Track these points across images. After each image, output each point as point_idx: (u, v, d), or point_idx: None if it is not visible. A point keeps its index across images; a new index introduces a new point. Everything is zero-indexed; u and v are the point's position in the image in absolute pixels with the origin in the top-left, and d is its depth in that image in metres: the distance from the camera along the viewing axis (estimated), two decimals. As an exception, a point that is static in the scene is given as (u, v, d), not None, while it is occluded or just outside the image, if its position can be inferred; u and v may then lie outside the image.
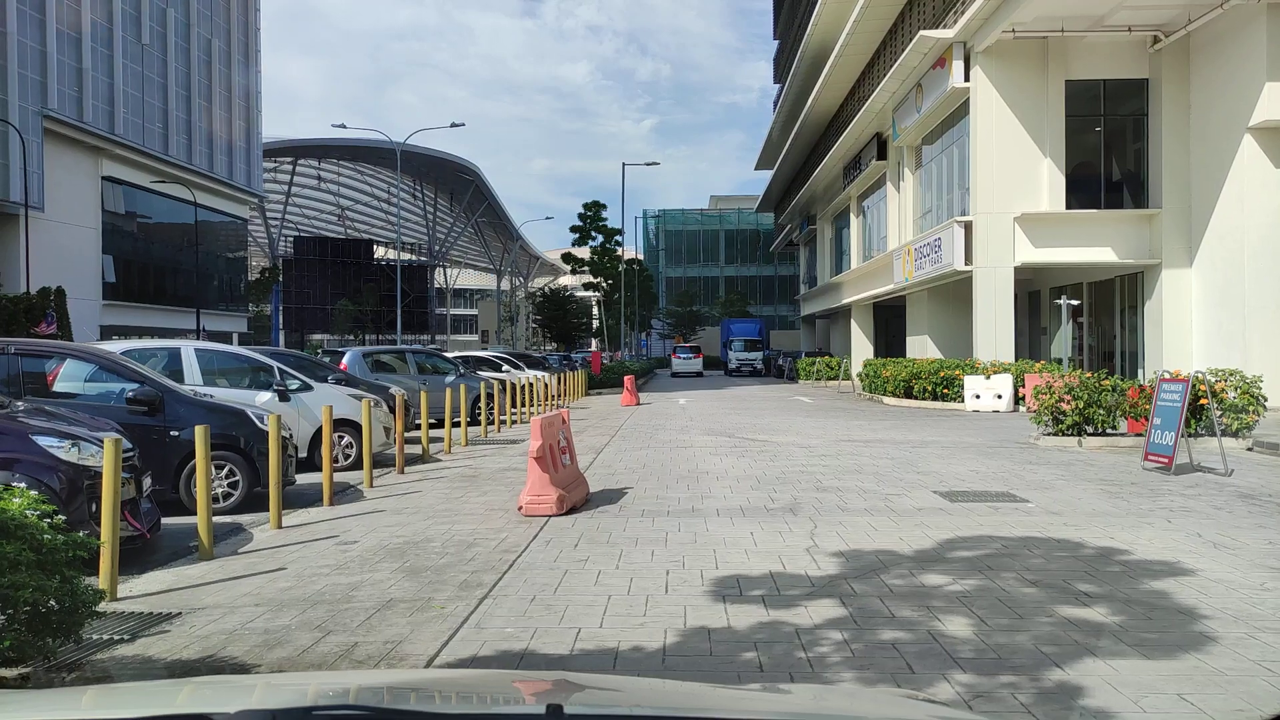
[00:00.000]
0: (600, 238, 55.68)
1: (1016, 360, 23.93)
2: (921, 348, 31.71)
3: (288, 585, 6.10)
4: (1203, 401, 12.59)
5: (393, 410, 13.02)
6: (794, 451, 13.74)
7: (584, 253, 56.70)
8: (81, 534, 4.35)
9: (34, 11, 37.35)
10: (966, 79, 25.04)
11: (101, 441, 6.22)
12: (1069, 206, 24.35)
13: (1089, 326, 28.38)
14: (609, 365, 41.16)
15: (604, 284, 56.26)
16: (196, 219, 45.92)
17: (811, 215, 53.64)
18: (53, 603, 3.96)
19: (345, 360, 18.06)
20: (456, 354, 27.87)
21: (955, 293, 28.90)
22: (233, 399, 10.18)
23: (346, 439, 12.30)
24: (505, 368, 27.56)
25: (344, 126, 48.43)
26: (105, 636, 4.95)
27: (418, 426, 15.12)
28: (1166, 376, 11.78)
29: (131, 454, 6.88)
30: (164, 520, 7.71)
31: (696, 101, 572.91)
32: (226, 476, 9.02)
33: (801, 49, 42.87)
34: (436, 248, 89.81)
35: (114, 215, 43.78)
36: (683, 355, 54.53)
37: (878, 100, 31.70)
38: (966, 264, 24.58)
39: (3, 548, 3.83)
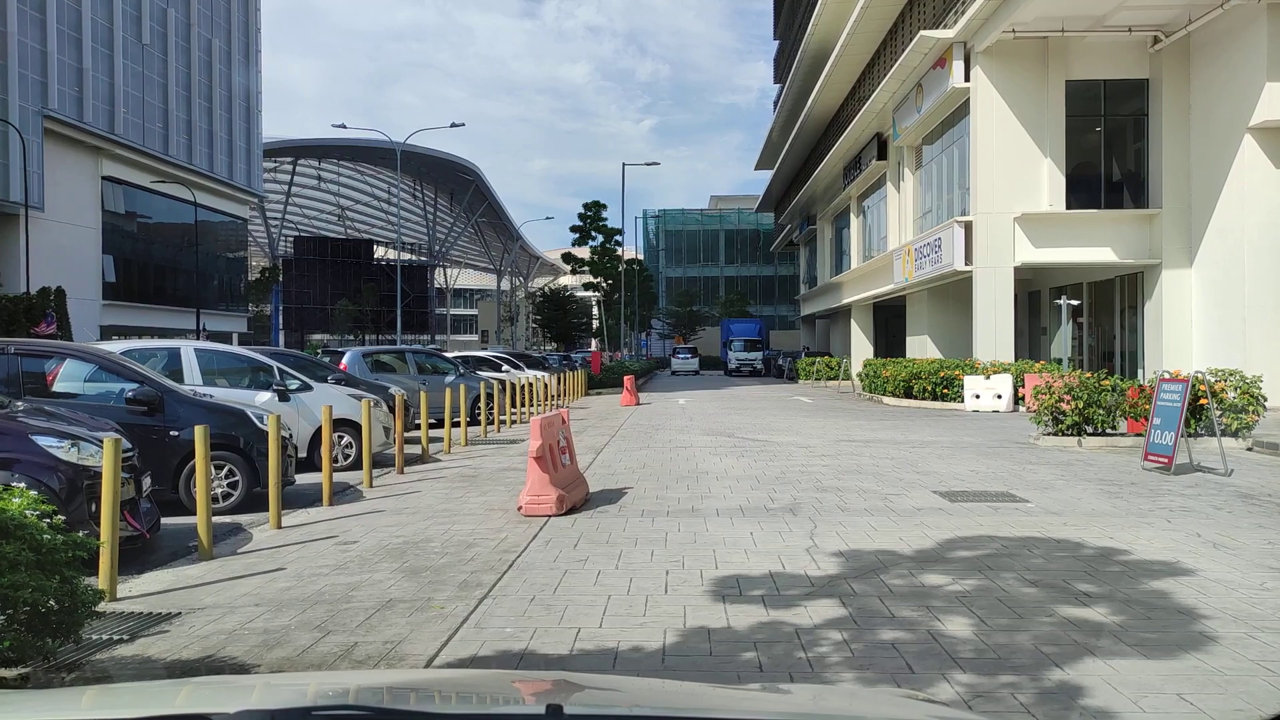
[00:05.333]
0: (600, 238, 55.73)
1: (1016, 360, 23.93)
2: (921, 348, 31.71)
3: (287, 585, 6.09)
4: (1202, 401, 12.59)
5: (392, 410, 13.01)
6: (794, 451, 13.74)
7: (584, 253, 56.73)
8: (81, 534, 4.34)
9: (34, 11, 37.35)
10: (967, 79, 25.04)
11: (101, 441, 6.22)
12: (1069, 206, 24.35)
13: (1089, 326, 28.38)
14: (609, 365, 41.15)
15: (604, 284, 56.29)
16: (196, 219, 45.91)
17: (811, 215, 53.65)
18: (52, 603, 3.95)
19: (345, 360, 18.06)
20: (456, 354, 27.86)
21: (955, 293, 28.90)
22: (232, 399, 10.18)
23: (346, 439, 12.30)
24: (505, 368, 27.54)
25: (344, 126, 48.43)
26: (105, 637, 4.94)
27: (417, 426, 15.11)
28: (1166, 376, 11.78)
29: (131, 454, 6.88)
30: (163, 520, 7.70)
31: (696, 102, 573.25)
32: (226, 476, 9.02)
33: (802, 49, 42.88)
34: (436, 248, 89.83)
35: (114, 215, 43.78)
36: (681, 356, 59.42)
37: (878, 100, 31.70)
38: (966, 264, 24.58)
39: (2, 548, 3.82)
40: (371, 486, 10.56)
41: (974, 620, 5.13)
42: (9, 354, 8.47)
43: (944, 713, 2.19)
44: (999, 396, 21.49)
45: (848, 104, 39.28)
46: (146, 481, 7.30)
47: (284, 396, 11.40)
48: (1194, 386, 11.75)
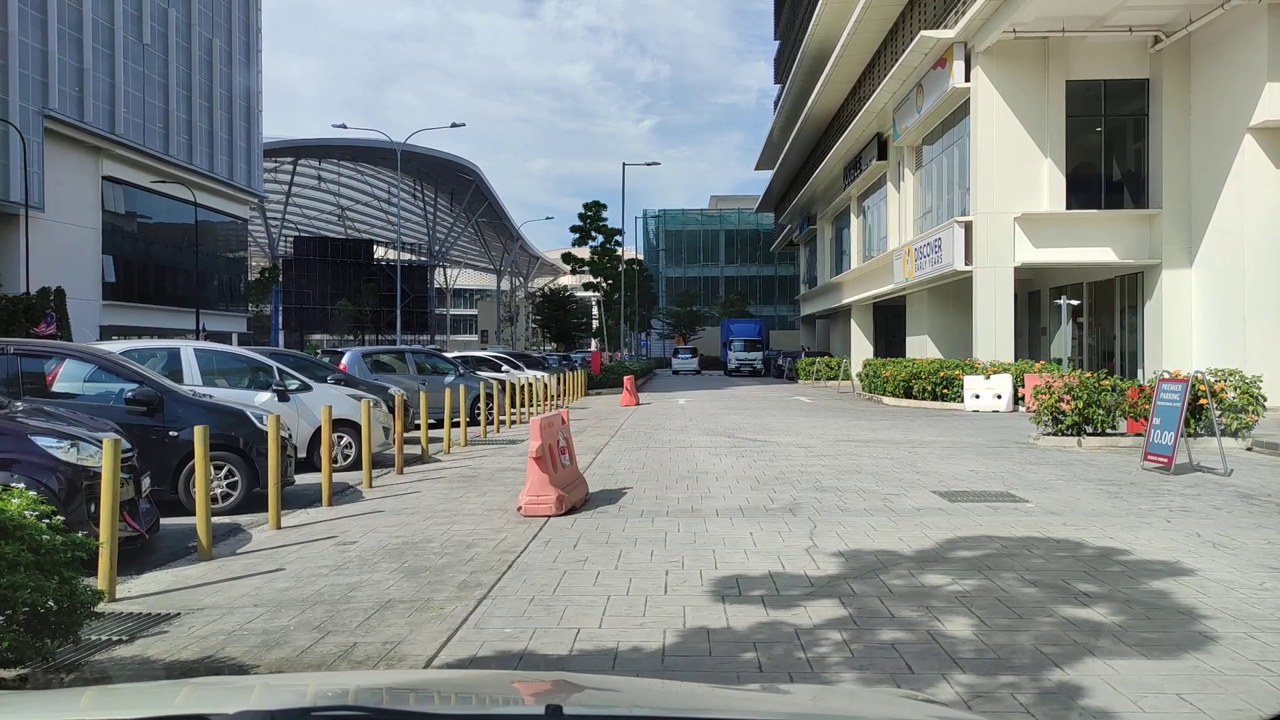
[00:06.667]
0: (600, 238, 55.75)
1: (1016, 360, 23.92)
2: (921, 348, 31.71)
3: (286, 586, 6.09)
4: (1202, 401, 12.59)
5: (392, 410, 13.01)
6: (793, 451, 13.74)
7: (584, 253, 56.75)
8: (80, 534, 4.34)
9: (35, 11, 37.35)
10: (967, 79, 25.04)
11: (100, 442, 6.22)
12: (1069, 206, 24.35)
13: (1089, 326, 28.37)
14: (609, 365, 41.15)
15: (604, 284, 56.31)
16: (196, 219, 45.90)
17: (812, 215, 53.65)
18: (51, 603, 3.95)
19: (345, 360, 18.06)
20: (456, 354, 27.86)
21: (955, 293, 28.90)
22: (232, 399, 10.18)
23: (346, 439, 12.29)
24: (505, 368, 27.54)
25: (344, 126, 48.50)
26: (104, 637, 4.94)
27: (417, 427, 15.11)
28: (1166, 376, 11.77)
29: (130, 454, 6.88)
30: (163, 520, 7.70)
31: (696, 102, 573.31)
32: (225, 477, 9.02)
33: (802, 49, 42.88)
34: (436, 248, 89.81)
35: (114, 215, 43.77)
36: (683, 356, 60.34)
37: (878, 100, 31.70)
38: (966, 264, 24.58)
39: (1, 548, 3.82)
40: (371, 487, 10.56)
41: (974, 620, 5.13)
42: (9, 354, 8.47)
43: (944, 713, 2.19)
44: (999, 396, 21.49)
45: (848, 104, 39.28)
46: (146, 482, 7.30)
47: (284, 397, 11.40)
48: (1194, 386, 11.75)
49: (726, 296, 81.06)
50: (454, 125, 50.37)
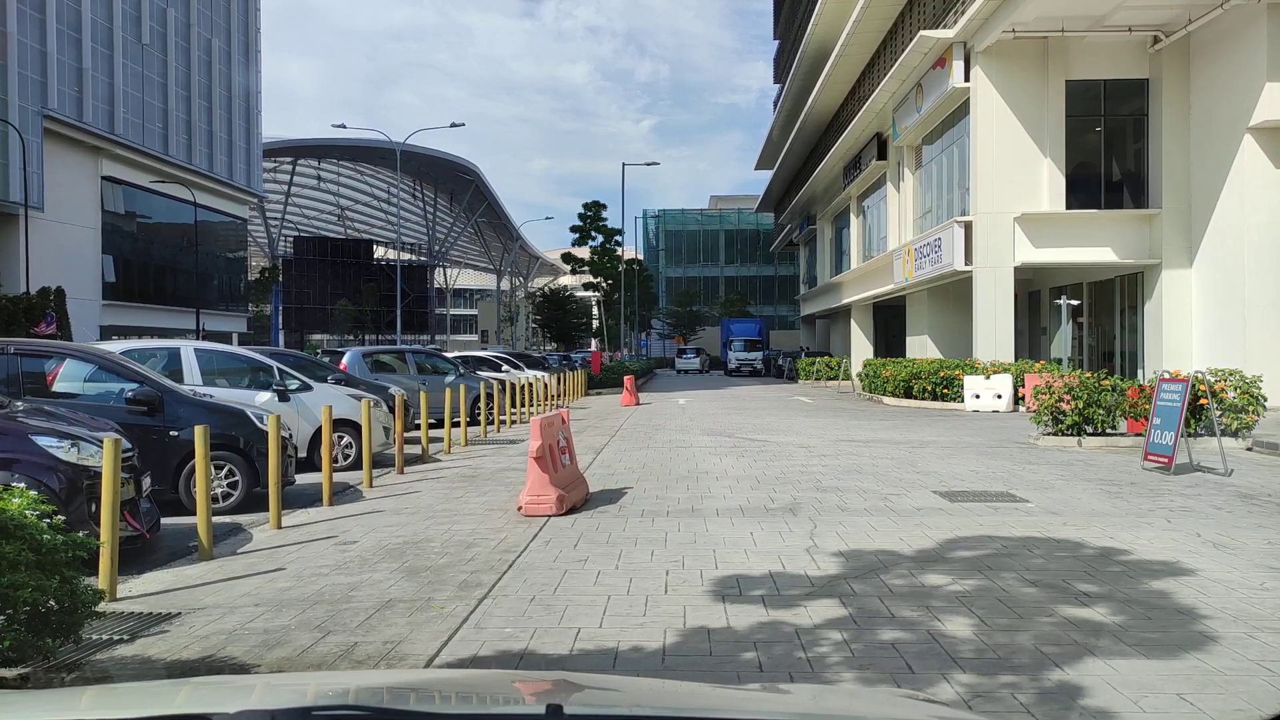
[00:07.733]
0: (600, 238, 55.79)
1: (1016, 360, 23.92)
2: (921, 348, 31.71)
3: (287, 585, 6.09)
4: (1202, 401, 12.59)
5: (392, 410, 13.01)
6: (794, 451, 13.74)
7: (584, 253, 56.78)
8: (81, 534, 4.34)
9: (34, 11, 37.33)
10: (967, 79, 25.04)
11: (101, 441, 6.22)
12: (1069, 206, 24.35)
13: (1089, 326, 28.37)
14: (609, 365, 41.14)
15: (604, 284, 56.34)
16: (196, 219, 45.88)
17: (811, 215, 53.65)
18: (52, 603, 3.95)
19: (345, 360, 18.06)
20: (456, 354, 27.86)
21: (955, 293, 28.90)
22: (232, 399, 10.18)
23: (346, 439, 12.29)
24: (505, 368, 27.54)
25: (344, 126, 48.44)
26: (105, 637, 4.94)
27: (417, 426, 15.11)
28: (1166, 376, 11.77)
29: (131, 454, 6.88)
30: (163, 520, 7.70)
31: (696, 102, 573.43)
32: (226, 477, 9.02)
33: (802, 49, 42.87)
34: (436, 248, 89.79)
35: (114, 215, 43.74)
36: (686, 356, 62.17)
37: (878, 100, 31.70)
38: (966, 264, 24.58)
39: (2, 548, 3.82)
40: (371, 486, 10.56)
41: (974, 620, 5.13)
42: (9, 354, 8.47)
43: (944, 713, 2.19)
44: (999, 396, 21.48)
45: (848, 104, 39.27)
46: (146, 481, 7.30)
47: (284, 396, 11.40)
48: (1194, 386, 11.75)
49: (726, 296, 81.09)
50: (453, 125, 50.40)
